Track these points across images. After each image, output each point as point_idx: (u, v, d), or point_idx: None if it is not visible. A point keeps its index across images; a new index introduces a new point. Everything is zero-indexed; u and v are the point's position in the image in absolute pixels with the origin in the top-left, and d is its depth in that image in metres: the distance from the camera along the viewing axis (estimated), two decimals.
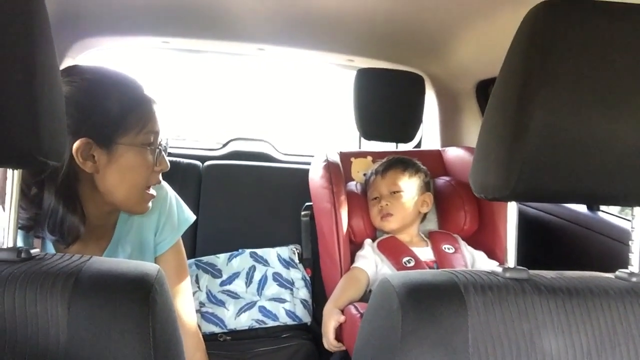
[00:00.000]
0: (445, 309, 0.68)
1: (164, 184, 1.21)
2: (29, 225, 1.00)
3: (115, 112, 1.01)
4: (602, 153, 0.67)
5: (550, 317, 0.70)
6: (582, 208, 1.62)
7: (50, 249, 1.07)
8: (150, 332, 0.62)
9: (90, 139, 0.99)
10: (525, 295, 0.71)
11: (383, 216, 1.57)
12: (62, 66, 1.82)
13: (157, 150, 1.09)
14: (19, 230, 1.00)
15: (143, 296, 0.63)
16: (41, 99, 0.62)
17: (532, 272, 0.76)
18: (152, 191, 1.12)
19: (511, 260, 0.77)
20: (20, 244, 1.02)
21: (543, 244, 1.70)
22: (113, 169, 1.03)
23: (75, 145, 0.97)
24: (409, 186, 1.60)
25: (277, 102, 3.29)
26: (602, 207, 1.58)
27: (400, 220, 1.57)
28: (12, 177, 0.69)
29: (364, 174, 1.75)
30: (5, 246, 0.68)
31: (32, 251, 0.69)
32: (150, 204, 1.12)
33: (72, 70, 1.03)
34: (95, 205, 1.07)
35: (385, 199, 1.58)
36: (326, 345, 1.45)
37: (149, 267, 0.69)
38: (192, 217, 1.30)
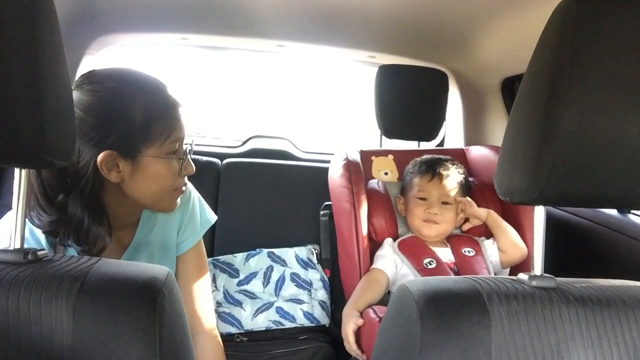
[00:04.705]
0: (467, 319, 0.64)
1: (188, 184, 1.21)
2: (53, 231, 0.99)
3: (139, 123, 0.99)
4: (636, 155, 0.63)
5: (580, 329, 0.66)
6: (611, 210, 1.56)
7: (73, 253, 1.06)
8: (157, 340, 0.60)
9: (115, 151, 0.97)
10: (553, 305, 0.67)
11: (428, 221, 1.52)
12: (82, 63, 1.84)
13: (182, 158, 1.08)
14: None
15: (150, 302, 0.62)
16: (47, 98, 0.61)
17: (560, 280, 0.73)
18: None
19: (538, 267, 0.74)
20: (44, 244, 1.02)
21: (570, 248, 1.65)
22: (138, 178, 1.02)
23: (100, 157, 0.96)
24: (458, 196, 1.55)
25: (297, 99, 3.27)
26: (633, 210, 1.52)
27: (442, 231, 1.53)
28: (20, 177, 0.68)
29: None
30: (12, 247, 0.67)
31: (40, 252, 0.68)
32: (178, 200, 1.13)
33: (94, 77, 1.00)
34: (123, 208, 1.07)
35: (435, 206, 1.52)
36: (348, 350, 1.42)
37: (157, 270, 0.67)
38: (213, 218, 1.30)
